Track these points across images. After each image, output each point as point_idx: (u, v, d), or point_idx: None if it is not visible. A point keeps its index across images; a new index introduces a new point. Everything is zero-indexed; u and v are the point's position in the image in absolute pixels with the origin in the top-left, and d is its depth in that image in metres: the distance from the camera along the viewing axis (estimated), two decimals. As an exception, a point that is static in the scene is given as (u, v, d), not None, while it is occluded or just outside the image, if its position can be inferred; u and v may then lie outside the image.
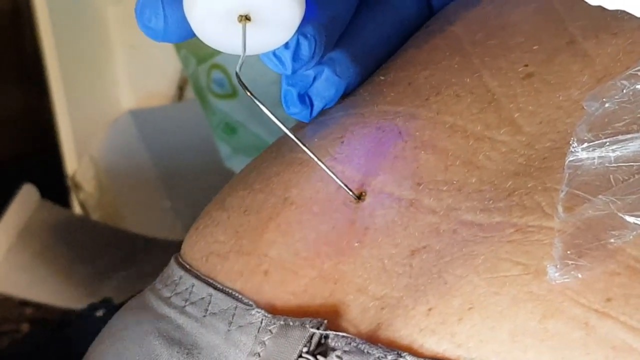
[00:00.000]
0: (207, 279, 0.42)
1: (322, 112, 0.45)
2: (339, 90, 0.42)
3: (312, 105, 0.40)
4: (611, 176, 0.36)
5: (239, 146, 1.09)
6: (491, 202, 0.38)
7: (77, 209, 1.22)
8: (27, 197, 1.03)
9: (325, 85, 0.43)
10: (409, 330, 0.36)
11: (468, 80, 0.43)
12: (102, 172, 1.18)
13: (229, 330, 0.39)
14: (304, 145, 0.41)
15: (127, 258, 1.05)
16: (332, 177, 0.41)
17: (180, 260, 0.44)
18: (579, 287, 0.34)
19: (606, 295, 0.33)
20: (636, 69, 0.40)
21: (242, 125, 1.08)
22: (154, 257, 0.98)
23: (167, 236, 1.04)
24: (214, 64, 1.04)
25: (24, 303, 0.91)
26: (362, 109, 0.45)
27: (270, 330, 0.38)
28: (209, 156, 1.13)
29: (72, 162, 1.22)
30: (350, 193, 0.41)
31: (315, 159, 0.41)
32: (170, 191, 1.13)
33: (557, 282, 0.34)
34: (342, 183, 0.40)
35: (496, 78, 0.43)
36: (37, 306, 0.91)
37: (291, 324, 0.38)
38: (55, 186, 1.20)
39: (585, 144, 0.37)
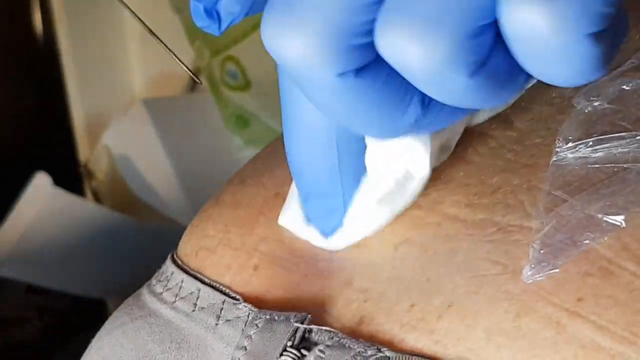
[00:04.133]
0: (195, 273, 0.43)
1: None
2: (244, 7, 0.42)
3: (220, 19, 0.41)
4: (591, 177, 0.37)
5: (251, 138, 1.09)
6: (476, 197, 0.39)
7: (89, 198, 1.22)
8: (40, 185, 1.04)
9: (230, 1, 0.42)
10: (391, 325, 0.37)
11: None
12: (115, 161, 1.19)
13: (216, 324, 0.40)
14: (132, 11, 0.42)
15: (140, 246, 1.06)
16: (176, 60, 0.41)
17: (175, 256, 0.45)
18: (552, 286, 0.34)
19: (577, 294, 0.34)
20: (625, 68, 0.41)
21: (254, 118, 1.08)
22: (167, 245, 0.99)
23: (180, 226, 1.05)
24: (228, 55, 1.05)
25: (32, 290, 0.92)
26: None
27: (256, 325, 0.39)
28: (222, 147, 1.13)
29: (85, 151, 1.23)
30: (195, 78, 0.41)
31: (155, 38, 0.41)
32: (183, 181, 1.13)
33: (530, 281, 0.35)
34: (186, 67, 0.42)
35: None
36: (45, 294, 0.92)
37: (276, 318, 0.38)
38: (68, 174, 1.20)
39: (570, 144, 0.38)
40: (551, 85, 0.41)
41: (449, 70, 0.29)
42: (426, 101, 0.33)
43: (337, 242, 0.40)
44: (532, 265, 0.35)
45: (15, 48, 1.19)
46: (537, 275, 0.35)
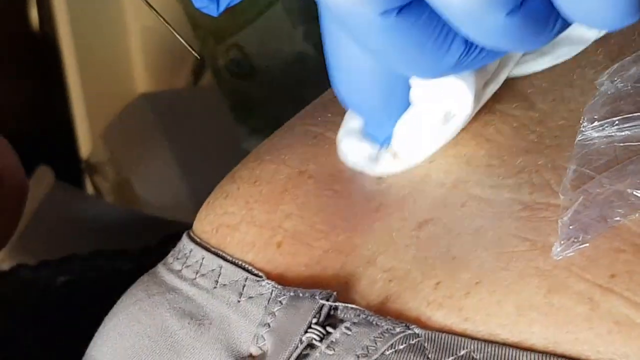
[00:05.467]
0: (217, 250, 0.43)
1: None
2: None
3: (218, 0, 0.41)
4: (619, 155, 0.37)
5: (256, 127, 1.09)
6: (500, 178, 0.39)
7: (91, 193, 1.22)
8: (42, 178, 1.03)
9: None
10: (417, 303, 0.36)
11: None
12: (117, 155, 1.18)
13: (239, 302, 0.40)
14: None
15: (141, 240, 1.05)
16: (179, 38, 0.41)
17: (192, 234, 0.45)
18: (583, 263, 0.34)
19: (610, 271, 0.33)
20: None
21: (259, 106, 1.08)
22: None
23: (183, 219, 1.04)
24: (233, 43, 1.04)
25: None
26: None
27: (280, 302, 0.38)
28: (226, 138, 1.12)
29: (87, 145, 1.22)
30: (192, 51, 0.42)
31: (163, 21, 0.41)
32: (186, 174, 1.13)
33: (560, 257, 0.34)
34: (182, 40, 0.41)
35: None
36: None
37: (301, 295, 0.38)
38: (69, 170, 1.20)
39: (595, 123, 0.38)
40: (573, 68, 0.42)
41: (487, 8, 0.30)
42: (468, 41, 0.33)
43: (383, 166, 0.41)
44: (562, 242, 0.35)
45: (15, 42, 1.18)
46: (567, 251, 0.34)
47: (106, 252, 0.81)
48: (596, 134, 0.38)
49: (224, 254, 0.42)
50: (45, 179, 1.03)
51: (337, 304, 0.37)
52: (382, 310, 0.37)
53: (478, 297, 0.35)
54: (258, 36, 1.01)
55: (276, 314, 0.38)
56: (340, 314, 0.37)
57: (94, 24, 1.22)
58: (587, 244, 0.34)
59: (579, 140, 0.38)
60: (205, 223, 0.45)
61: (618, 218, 0.35)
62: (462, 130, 0.41)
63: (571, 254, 0.34)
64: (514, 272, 0.35)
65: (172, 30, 0.44)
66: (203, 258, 0.43)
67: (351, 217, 0.41)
